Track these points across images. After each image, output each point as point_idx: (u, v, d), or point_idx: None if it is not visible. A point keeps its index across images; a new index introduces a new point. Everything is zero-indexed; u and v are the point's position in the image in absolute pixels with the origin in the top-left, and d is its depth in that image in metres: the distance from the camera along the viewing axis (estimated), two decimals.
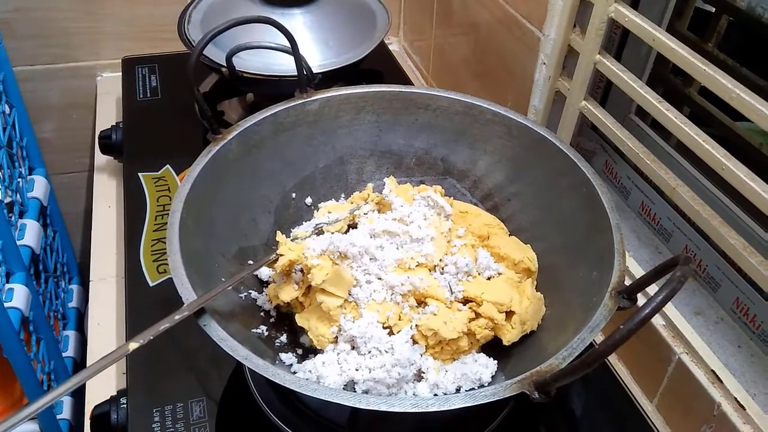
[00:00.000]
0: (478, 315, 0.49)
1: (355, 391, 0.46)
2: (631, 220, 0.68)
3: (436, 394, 0.46)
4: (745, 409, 0.49)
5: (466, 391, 0.47)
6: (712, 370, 0.51)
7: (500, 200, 0.60)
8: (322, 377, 0.46)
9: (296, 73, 0.58)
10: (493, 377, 0.48)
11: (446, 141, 0.62)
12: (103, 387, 0.58)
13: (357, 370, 0.46)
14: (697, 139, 0.51)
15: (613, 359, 0.62)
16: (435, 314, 0.48)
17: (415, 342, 0.48)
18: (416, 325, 0.49)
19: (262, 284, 0.54)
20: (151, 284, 0.62)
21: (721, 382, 0.51)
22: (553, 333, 0.48)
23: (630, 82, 0.57)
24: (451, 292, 0.51)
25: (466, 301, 0.50)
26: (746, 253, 0.49)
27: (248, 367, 0.52)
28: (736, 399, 0.49)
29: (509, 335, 0.49)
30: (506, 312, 0.49)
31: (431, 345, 0.48)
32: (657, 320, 0.56)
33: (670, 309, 0.56)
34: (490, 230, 0.56)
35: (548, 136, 0.55)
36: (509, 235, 0.58)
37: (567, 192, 0.53)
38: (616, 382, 0.58)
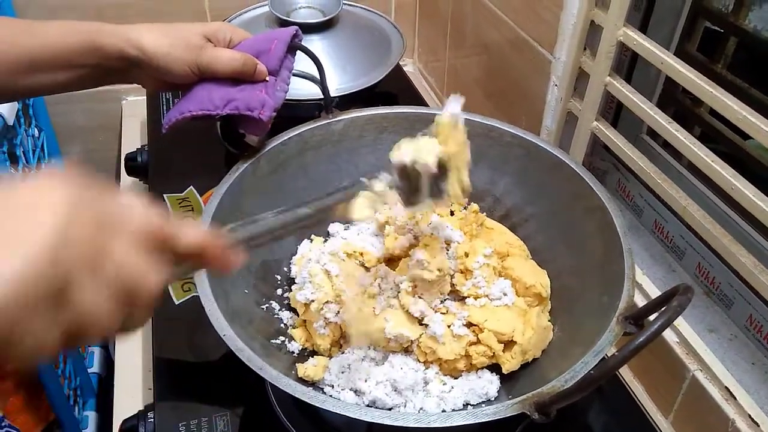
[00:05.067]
0: (479, 341, 0.50)
1: (366, 399, 0.47)
2: (645, 238, 0.69)
3: (444, 410, 0.48)
4: (758, 426, 0.49)
5: (473, 405, 0.49)
6: (726, 387, 0.52)
7: (518, 220, 0.61)
8: (335, 386, 0.48)
9: (313, 97, 0.60)
10: (499, 392, 0.50)
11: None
12: (130, 402, 0.60)
13: (366, 381, 0.48)
14: (706, 160, 0.52)
15: (628, 376, 0.62)
16: (434, 336, 0.49)
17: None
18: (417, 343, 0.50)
19: (282, 299, 0.56)
20: (176, 302, 0.65)
21: (735, 399, 0.51)
22: (561, 355, 0.49)
23: (640, 104, 0.58)
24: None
25: (469, 324, 0.51)
26: (757, 271, 0.49)
27: (268, 382, 0.54)
28: (749, 416, 0.50)
29: (508, 365, 0.50)
30: (507, 341, 0.50)
31: (429, 361, 0.50)
32: (671, 337, 0.57)
33: (683, 326, 0.57)
34: (510, 250, 0.57)
35: (566, 160, 0.57)
36: (529, 257, 0.58)
37: (582, 215, 0.54)
38: (631, 399, 0.59)
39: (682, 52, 0.65)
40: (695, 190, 0.63)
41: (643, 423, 0.57)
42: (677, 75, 0.54)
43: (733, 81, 0.61)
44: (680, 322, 0.57)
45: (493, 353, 0.49)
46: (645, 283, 0.62)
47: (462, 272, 0.53)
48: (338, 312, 0.51)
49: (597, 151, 0.74)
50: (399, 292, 0.52)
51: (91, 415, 0.96)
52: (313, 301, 0.52)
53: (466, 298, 0.52)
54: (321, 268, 0.53)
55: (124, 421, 0.54)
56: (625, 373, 0.62)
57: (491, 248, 0.56)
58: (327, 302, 0.52)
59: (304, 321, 0.54)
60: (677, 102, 0.68)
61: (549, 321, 0.54)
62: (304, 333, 0.53)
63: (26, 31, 0.47)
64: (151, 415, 0.54)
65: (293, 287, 0.55)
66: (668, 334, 0.57)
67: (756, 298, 0.56)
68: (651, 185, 0.59)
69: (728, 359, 0.56)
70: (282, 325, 0.55)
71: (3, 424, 0.83)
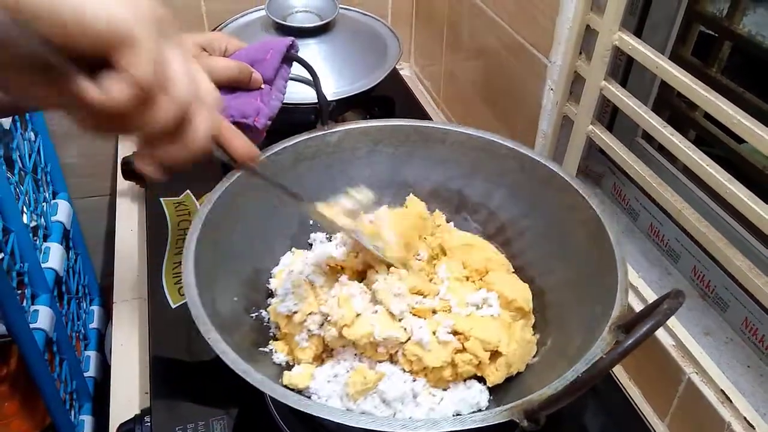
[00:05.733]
0: (464, 349, 0.50)
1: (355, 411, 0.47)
2: (640, 242, 0.69)
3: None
4: (754, 429, 0.49)
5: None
6: (722, 390, 0.52)
7: (513, 234, 0.61)
8: (321, 396, 0.48)
9: (309, 101, 0.60)
10: (489, 403, 0.49)
11: (462, 174, 0.63)
12: (126, 406, 0.60)
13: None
14: (701, 163, 0.52)
15: (624, 379, 0.62)
16: (420, 343, 0.49)
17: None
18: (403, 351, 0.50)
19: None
20: (173, 306, 0.65)
21: (731, 401, 0.51)
22: (550, 368, 0.48)
23: (635, 108, 0.58)
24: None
25: (455, 333, 0.50)
26: (752, 275, 0.50)
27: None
28: (745, 419, 0.50)
29: (493, 377, 0.49)
30: (492, 352, 0.50)
31: (416, 370, 0.49)
32: (667, 340, 0.57)
33: (679, 329, 0.57)
34: (489, 265, 0.56)
35: (559, 171, 0.56)
36: (513, 271, 0.58)
37: (577, 227, 0.54)
38: (627, 402, 0.59)
39: (676, 56, 0.65)
40: (690, 193, 0.63)
41: (639, 426, 0.57)
42: (672, 79, 0.54)
43: (727, 85, 0.62)
44: (676, 325, 0.57)
45: (479, 362, 0.49)
46: (641, 287, 0.62)
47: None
48: (322, 324, 0.51)
49: (593, 155, 0.74)
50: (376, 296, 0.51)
51: (87, 420, 0.96)
52: (296, 312, 0.52)
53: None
54: (305, 279, 0.53)
55: (121, 425, 0.54)
56: (622, 376, 0.63)
57: (451, 270, 0.55)
58: (311, 313, 0.52)
59: (286, 334, 0.53)
60: (672, 106, 0.69)
61: (532, 335, 0.53)
62: (286, 346, 0.53)
63: None
64: (147, 419, 0.54)
65: (272, 300, 0.55)
66: (664, 337, 0.57)
67: (751, 301, 0.56)
68: (646, 189, 0.60)
69: (724, 362, 0.56)
70: (271, 333, 0.55)
71: None
